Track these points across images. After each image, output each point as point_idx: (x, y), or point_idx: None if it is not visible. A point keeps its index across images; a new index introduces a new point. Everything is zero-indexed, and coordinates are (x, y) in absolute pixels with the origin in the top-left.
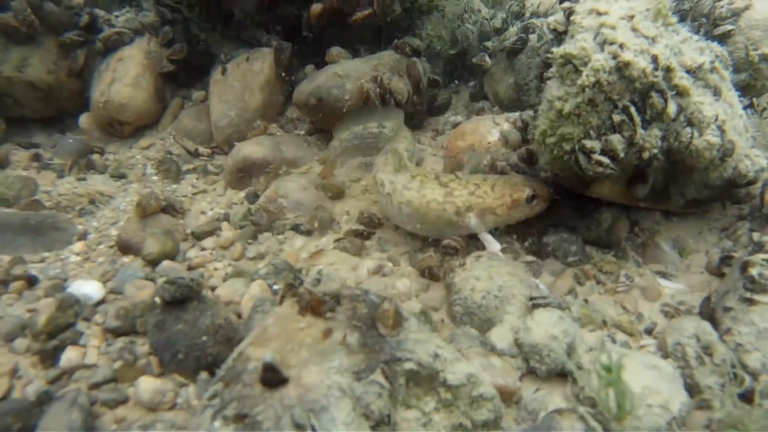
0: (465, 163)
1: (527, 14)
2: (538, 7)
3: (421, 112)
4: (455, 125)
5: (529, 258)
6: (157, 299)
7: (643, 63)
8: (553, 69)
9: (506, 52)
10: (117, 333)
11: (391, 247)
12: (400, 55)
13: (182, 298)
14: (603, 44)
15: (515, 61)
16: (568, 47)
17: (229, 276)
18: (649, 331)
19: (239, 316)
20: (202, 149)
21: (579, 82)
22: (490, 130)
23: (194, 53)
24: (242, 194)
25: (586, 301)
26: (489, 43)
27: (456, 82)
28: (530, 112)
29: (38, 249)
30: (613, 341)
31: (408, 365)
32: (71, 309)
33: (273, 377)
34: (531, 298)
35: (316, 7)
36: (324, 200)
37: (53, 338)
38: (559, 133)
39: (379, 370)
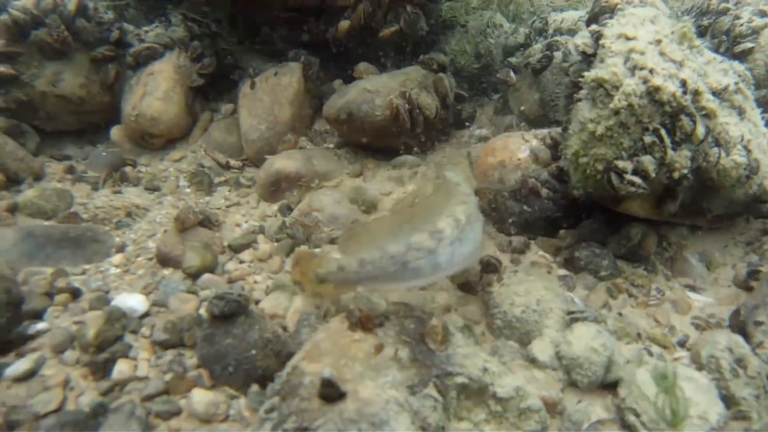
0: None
1: (550, 31)
2: (561, 24)
3: (447, 127)
4: (480, 138)
5: (562, 272)
6: (204, 313)
7: (672, 87)
8: (584, 91)
9: (531, 69)
10: (165, 346)
11: None
12: (427, 71)
13: (231, 312)
14: (633, 69)
15: (540, 78)
16: (600, 72)
17: (270, 289)
18: (681, 344)
19: (284, 329)
20: (233, 162)
21: (611, 105)
22: (520, 146)
23: (222, 67)
24: (275, 207)
25: (620, 314)
26: (513, 59)
27: (480, 96)
28: (558, 130)
29: (79, 261)
30: (650, 354)
31: (459, 379)
32: (119, 322)
33: (332, 392)
34: (569, 312)
35: (344, 24)
36: (358, 214)
37: (103, 351)
38: (592, 154)
39: (432, 384)
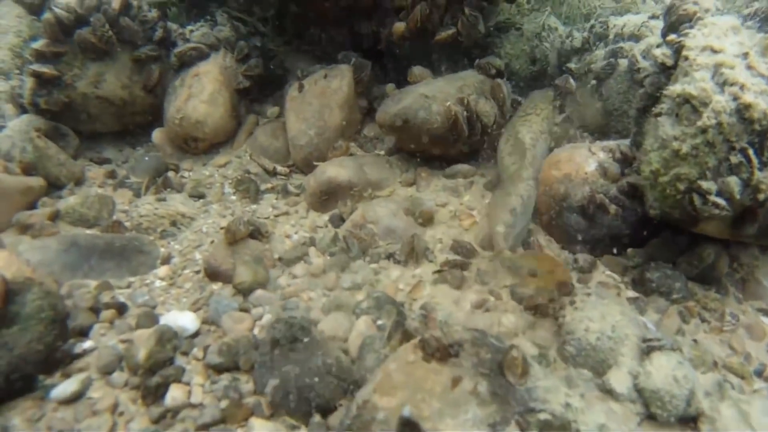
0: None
1: (611, 36)
2: (622, 29)
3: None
4: None
5: (631, 293)
6: (258, 333)
7: (763, 105)
8: (665, 106)
9: (594, 77)
10: (220, 369)
11: (490, 279)
12: (484, 76)
13: (293, 338)
14: (723, 85)
15: (603, 86)
16: (688, 87)
17: (326, 307)
18: (759, 374)
19: (346, 352)
20: (279, 168)
21: (699, 123)
22: (587, 159)
23: (268, 68)
24: (326, 217)
25: (695, 341)
26: (572, 65)
27: None
28: (626, 142)
29: (123, 274)
30: (732, 386)
31: (542, 416)
32: (170, 343)
33: None
34: (645, 340)
35: (399, 26)
36: (414, 226)
37: (154, 374)
38: (674, 173)
39: (514, 422)
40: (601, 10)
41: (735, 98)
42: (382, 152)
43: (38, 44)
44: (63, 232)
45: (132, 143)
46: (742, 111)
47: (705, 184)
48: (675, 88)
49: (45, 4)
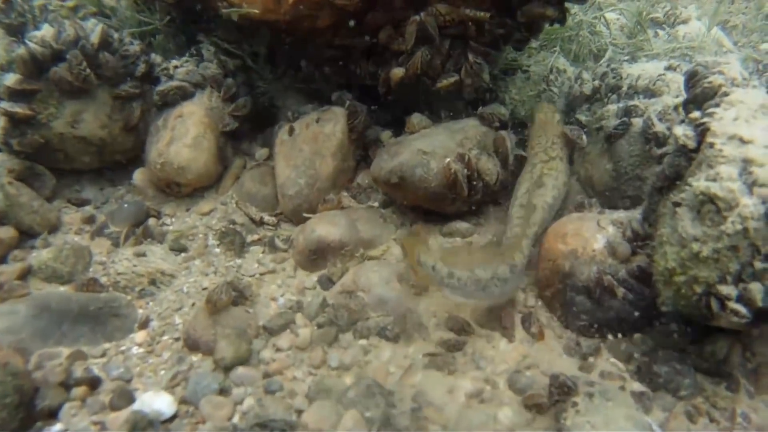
0: None
1: (624, 88)
2: (636, 82)
3: (504, 190)
4: None
5: (636, 386)
6: (239, 422)
7: None
8: (685, 196)
9: (605, 135)
10: None
11: (486, 364)
12: (487, 127)
13: None
14: (752, 185)
15: (615, 146)
16: (713, 187)
17: (312, 392)
18: None
19: None
20: (267, 218)
21: (723, 228)
22: (595, 234)
23: (257, 106)
24: (315, 277)
25: None
26: (582, 117)
27: None
28: (637, 215)
29: (98, 340)
30: None
31: None
32: None
33: None
34: None
35: (398, 72)
36: (408, 296)
37: None
38: (691, 275)
39: None
40: (612, 47)
41: (764, 201)
42: (376, 204)
43: (10, 81)
44: (34, 290)
45: (112, 180)
46: None
47: (725, 289)
48: (699, 185)
49: (24, 27)
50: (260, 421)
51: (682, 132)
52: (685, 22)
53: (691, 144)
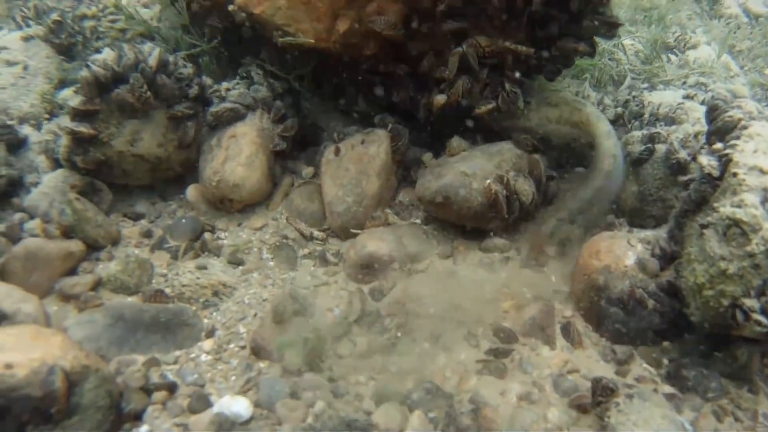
0: None
1: (646, 115)
2: (658, 109)
3: (537, 209)
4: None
5: (667, 388)
6: (314, 423)
7: None
8: (711, 219)
9: (631, 160)
10: None
11: (532, 369)
12: (521, 151)
13: None
14: None
15: (640, 170)
16: (738, 213)
17: (377, 395)
18: None
19: None
20: (316, 233)
21: (747, 248)
22: (626, 252)
23: (303, 127)
24: (366, 289)
25: None
26: None
27: (561, 168)
28: (663, 234)
29: (169, 347)
30: None
31: None
32: None
33: None
34: None
35: (440, 99)
36: (455, 306)
37: None
38: (719, 289)
39: None
40: (631, 74)
41: None
42: (418, 220)
43: (76, 102)
44: (106, 301)
45: (163, 195)
46: None
47: (749, 302)
48: (725, 210)
49: (74, 46)
50: (345, 420)
51: (707, 161)
52: (694, 47)
53: (715, 173)
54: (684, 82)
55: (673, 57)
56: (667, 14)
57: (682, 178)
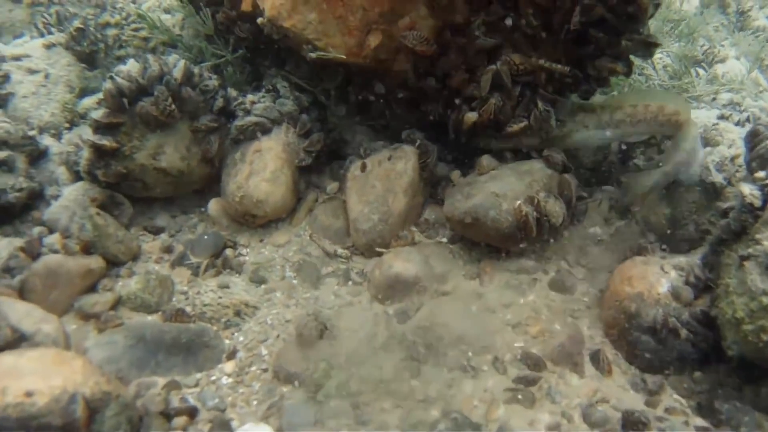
0: None
1: None
2: None
3: (566, 229)
4: (597, 241)
5: (699, 421)
6: None
7: None
8: (752, 251)
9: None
10: None
11: (561, 398)
12: (552, 170)
13: None
14: None
15: (673, 192)
16: None
17: (403, 425)
18: None
19: None
20: (340, 250)
21: None
22: (660, 279)
23: (327, 140)
24: (391, 311)
25: None
26: (640, 163)
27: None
28: (697, 261)
29: (190, 370)
30: None
31: None
32: None
33: None
34: None
35: (471, 116)
36: (483, 331)
37: None
38: (759, 324)
39: None
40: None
41: None
42: (445, 239)
43: (98, 114)
44: (126, 320)
45: (184, 208)
46: None
47: None
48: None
49: (96, 54)
50: None
51: (749, 191)
52: (723, 60)
53: (758, 203)
54: (714, 99)
55: (701, 71)
56: (697, 28)
57: (722, 206)
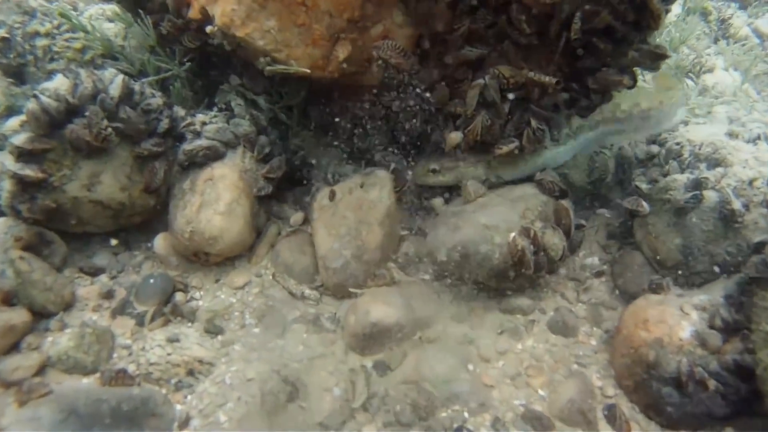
0: None
1: (686, 154)
2: (699, 149)
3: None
4: (595, 272)
5: None
6: None
7: None
8: None
9: (675, 209)
10: None
11: None
12: (547, 196)
13: None
14: None
15: (684, 220)
16: None
17: None
18: None
19: None
20: (308, 291)
21: None
22: (680, 322)
23: (290, 164)
24: (369, 363)
25: None
26: (643, 185)
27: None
28: (720, 299)
29: None
30: None
31: None
32: None
33: None
34: None
35: (455, 137)
36: (475, 385)
37: None
38: None
39: None
40: None
41: None
42: (428, 276)
43: (20, 140)
44: (55, 386)
45: (127, 243)
46: None
47: None
48: None
49: (24, 67)
50: None
51: None
52: (711, 70)
53: None
54: (708, 112)
55: (690, 82)
56: (688, 38)
57: (750, 236)
